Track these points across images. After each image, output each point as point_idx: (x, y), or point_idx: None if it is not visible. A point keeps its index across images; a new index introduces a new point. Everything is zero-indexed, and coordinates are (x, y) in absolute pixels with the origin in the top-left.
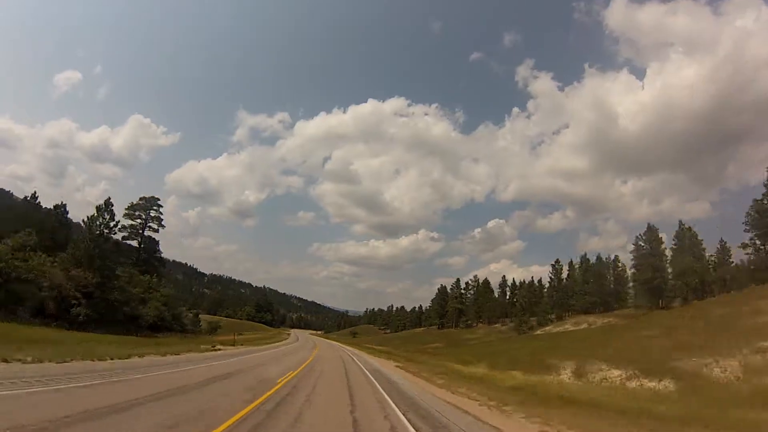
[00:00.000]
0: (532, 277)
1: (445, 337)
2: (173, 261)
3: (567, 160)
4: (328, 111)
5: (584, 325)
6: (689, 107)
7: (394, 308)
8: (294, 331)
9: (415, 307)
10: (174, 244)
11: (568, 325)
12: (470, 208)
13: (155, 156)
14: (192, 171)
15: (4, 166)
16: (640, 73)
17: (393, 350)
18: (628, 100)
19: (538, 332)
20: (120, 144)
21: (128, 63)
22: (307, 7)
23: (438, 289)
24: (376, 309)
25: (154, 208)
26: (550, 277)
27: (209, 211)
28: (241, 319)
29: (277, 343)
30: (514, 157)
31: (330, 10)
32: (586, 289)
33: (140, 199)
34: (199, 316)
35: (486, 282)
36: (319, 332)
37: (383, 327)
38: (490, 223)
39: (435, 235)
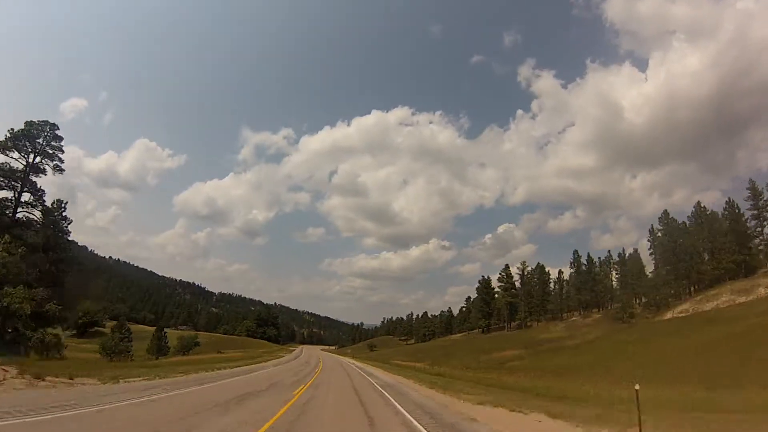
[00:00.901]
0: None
1: (511, 340)
2: (179, 281)
3: (574, 158)
4: (332, 125)
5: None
6: (694, 95)
7: (415, 316)
8: (303, 348)
9: (443, 311)
10: (183, 266)
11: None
12: (480, 214)
13: (162, 179)
14: (199, 192)
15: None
16: (642, 65)
17: (437, 366)
18: (632, 93)
19: (670, 316)
20: (127, 168)
21: (132, 88)
22: (304, 22)
23: (480, 281)
24: (393, 318)
25: (46, 138)
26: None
27: (218, 232)
28: (239, 335)
29: (261, 364)
30: (521, 160)
31: (327, 23)
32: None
33: (25, 124)
34: (195, 333)
35: (541, 267)
36: (332, 347)
37: (404, 337)
38: (501, 228)
39: (446, 243)
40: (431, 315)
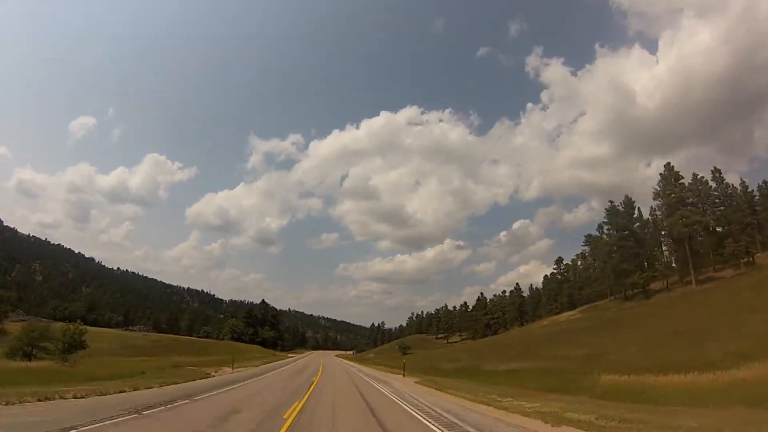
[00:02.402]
0: None
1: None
2: (187, 288)
3: (588, 148)
4: (341, 128)
5: None
6: (707, 73)
7: (457, 307)
8: (312, 354)
9: (511, 290)
10: (198, 278)
11: None
12: (494, 212)
13: (173, 192)
14: (211, 203)
15: (30, 214)
16: (652, 46)
17: None
18: (644, 77)
19: None
20: (138, 183)
21: (139, 103)
22: (304, 27)
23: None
24: (423, 313)
25: None
26: None
27: (232, 242)
28: (222, 339)
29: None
30: (533, 153)
31: (328, 26)
32: None
33: None
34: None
35: None
36: (349, 353)
37: (442, 335)
38: (515, 225)
39: (461, 243)
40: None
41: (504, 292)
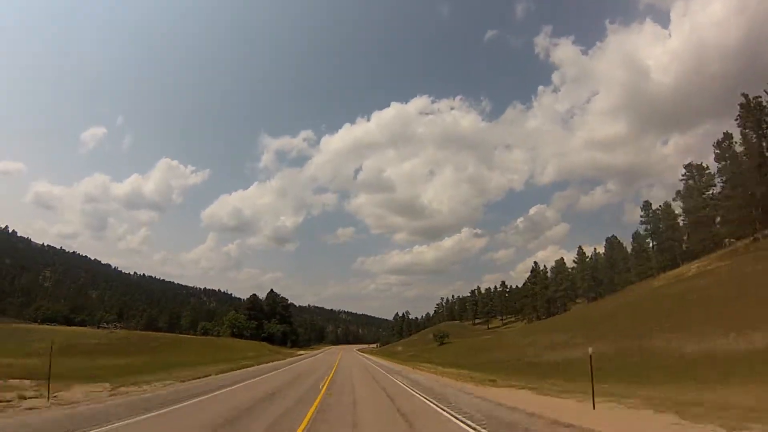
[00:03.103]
0: None
1: None
2: (203, 289)
3: (602, 128)
4: (352, 122)
5: None
6: (722, 45)
7: (495, 288)
8: (328, 350)
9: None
10: (217, 280)
11: None
12: (510, 198)
13: (188, 195)
14: (225, 205)
15: (49, 226)
16: (664, 20)
17: None
18: (657, 52)
19: None
20: (152, 189)
21: (148, 110)
22: (310, 22)
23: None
24: (454, 297)
25: None
26: None
27: (248, 242)
28: (219, 336)
29: None
30: (547, 136)
31: (333, 19)
32: None
33: None
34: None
35: None
36: (372, 346)
37: (480, 319)
38: (532, 210)
39: (478, 231)
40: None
41: (544, 267)
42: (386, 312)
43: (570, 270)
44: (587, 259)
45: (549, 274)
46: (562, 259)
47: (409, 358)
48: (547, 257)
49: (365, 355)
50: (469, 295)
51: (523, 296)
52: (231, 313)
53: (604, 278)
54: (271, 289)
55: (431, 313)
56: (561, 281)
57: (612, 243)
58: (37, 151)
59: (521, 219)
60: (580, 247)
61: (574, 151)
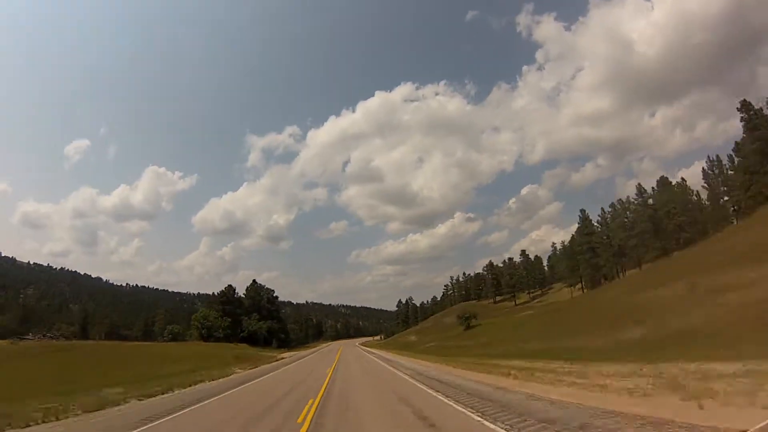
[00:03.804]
0: None
1: None
2: (197, 294)
3: (589, 104)
4: (337, 114)
5: None
6: (706, 14)
7: (532, 254)
8: (325, 348)
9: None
10: (213, 284)
11: None
12: (501, 180)
13: (177, 202)
14: (216, 208)
15: (40, 245)
16: None
17: None
18: (640, 24)
19: None
20: (141, 198)
21: (130, 118)
22: (289, 16)
23: None
24: (466, 274)
25: None
26: None
27: (242, 244)
28: (185, 341)
29: None
30: (534, 115)
31: (314, 11)
32: None
33: None
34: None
35: None
36: (376, 338)
37: (507, 295)
38: (524, 191)
39: (471, 215)
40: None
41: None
42: (385, 303)
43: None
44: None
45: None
46: (621, 200)
47: (432, 350)
48: (542, 237)
49: (372, 350)
50: (483, 271)
51: (576, 254)
52: (201, 310)
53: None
54: (254, 280)
55: (438, 296)
56: (633, 223)
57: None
58: (21, 170)
59: (513, 200)
60: (639, 185)
61: (562, 128)
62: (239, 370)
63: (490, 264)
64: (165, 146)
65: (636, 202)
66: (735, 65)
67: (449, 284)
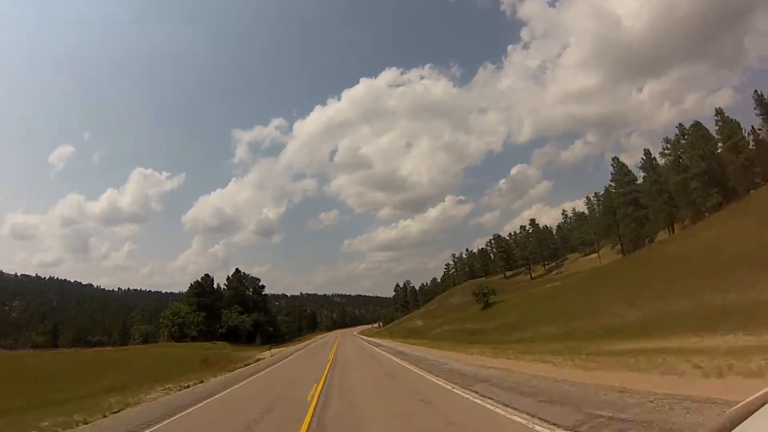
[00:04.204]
0: None
1: None
2: (184, 293)
3: (576, 80)
4: (323, 103)
5: None
6: None
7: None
8: (319, 341)
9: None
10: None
11: None
12: (490, 161)
13: (166, 202)
14: (206, 206)
15: (30, 256)
16: None
17: None
18: None
19: None
20: (129, 201)
21: (113, 121)
22: (270, 5)
23: None
24: (469, 251)
25: None
26: None
27: (234, 240)
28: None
29: None
30: (520, 95)
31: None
32: None
33: None
34: None
35: None
36: (374, 326)
37: (519, 269)
38: (513, 170)
39: (461, 197)
40: None
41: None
42: (380, 290)
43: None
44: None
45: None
46: (648, 152)
47: (448, 335)
48: (532, 215)
49: (375, 341)
50: (487, 246)
51: (609, 215)
52: (172, 305)
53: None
54: (237, 269)
55: (438, 278)
56: (690, 161)
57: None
58: (7, 182)
59: (503, 180)
60: (680, 125)
61: (550, 106)
62: (176, 388)
63: (497, 237)
64: (150, 147)
65: (687, 139)
66: (720, 37)
67: (451, 263)
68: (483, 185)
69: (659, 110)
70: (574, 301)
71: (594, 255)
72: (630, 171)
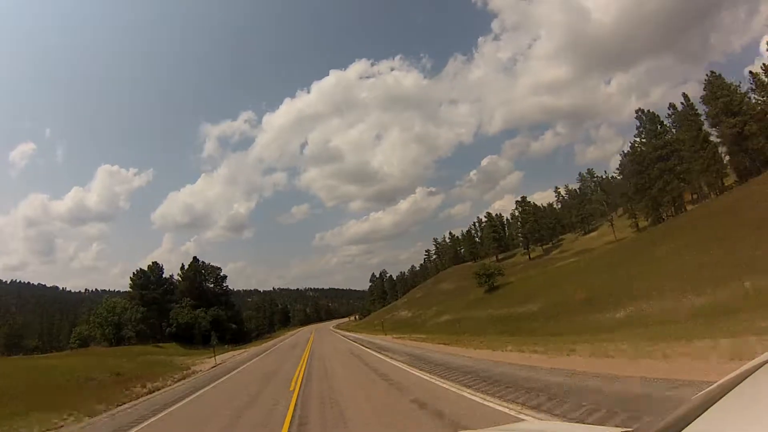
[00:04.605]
0: None
1: None
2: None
3: (547, 72)
4: (292, 96)
5: None
6: None
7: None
8: (292, 335)
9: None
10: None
11: None
12: (460, 152)
13: (135, 200)
14: (175, 202)
15: None
16: None
17: None
18: None
19: None
20: (96, 200)
21: (76, 116)
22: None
23: None
24: (453, 234)
25: None
26: None
27: (206, 237)
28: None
29: None
30: (491, 86)
31: None
32: None
33: None
34: None
35: None
36: (350, 318)
37: (512, 251)
38: (484, 161)
39: (432, 189)
40: None
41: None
42: (353, 283)
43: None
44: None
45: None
46: (685, 96)
47: (447, 327)
48: (504, 206)
49: (361, 338)
50: (472, 229)
51: (638, 176)
52: (104, 301)
53: None
54: (194, 258)
55: (416, 266)
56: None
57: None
58: None
59: (474, 172)
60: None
61: (520, 97)
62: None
63: (490, 216)
64: (116, 143)
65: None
66: (687, 32)
67: (432, 248)
68: (454, 176)
69: (627, 102)
70: (618, 279)
71: (594, 234)
72: (662, 121)
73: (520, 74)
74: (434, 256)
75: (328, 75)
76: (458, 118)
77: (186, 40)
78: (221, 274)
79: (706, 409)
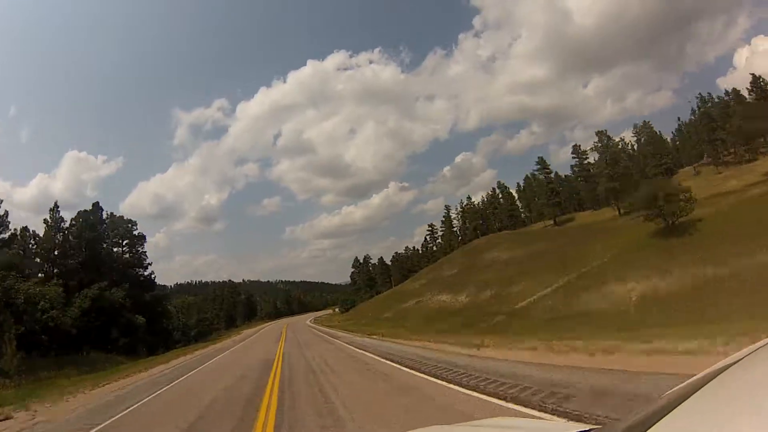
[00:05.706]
0: None
1: None
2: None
3: (525, 71)
4: (268, 85)
5: None
6: None
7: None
8: (237, 345)
9: None
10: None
11: None
12: (435, 148)
13: (103, 189)
14: (145, 192)
15: None
16: None
17: None
18: None
19: None
20: (61, 187)
21: (43, 99)
22: None
23: None
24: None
25: None
26: None
27: (175, 228)
28: None
29: None
30: (469, 83)
31: None
32: None
33: None
34: None
35: None
36: (331, 311)
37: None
38: (458, 158)
39: (405, 184)
40: None
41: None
42: (326, 276)
43: None
44: None
45: None
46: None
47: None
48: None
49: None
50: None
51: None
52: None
53: None
54: (95, 203)
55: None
56: None
57: None
58: None
59: (448, 168)
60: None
61: (498, 96)
62: None
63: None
64: (85, 129)
65: None
66: (664, 41)
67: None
68: (427, 172)
69: (602, 106)
70: None
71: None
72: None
73: (499, 72)
74: (437, 236)
75: (305, 65)
76: (434, 113)
77: (162, 21)
78: (135, 230)
79: (675, 408)
